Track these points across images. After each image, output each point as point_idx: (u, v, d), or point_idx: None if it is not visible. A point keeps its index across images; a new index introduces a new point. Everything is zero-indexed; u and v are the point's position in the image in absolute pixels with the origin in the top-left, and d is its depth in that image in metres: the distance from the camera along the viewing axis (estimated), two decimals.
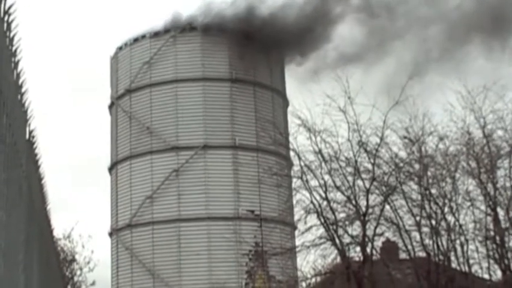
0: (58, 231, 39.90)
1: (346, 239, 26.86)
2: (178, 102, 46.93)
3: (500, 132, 26.05)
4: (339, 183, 27.18)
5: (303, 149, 27.99)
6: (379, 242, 27.72)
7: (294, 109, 29.22)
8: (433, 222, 26.02)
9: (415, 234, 26.37)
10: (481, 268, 25.83)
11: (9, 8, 5.91)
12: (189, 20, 47.94)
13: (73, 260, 43.32)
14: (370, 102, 27.94)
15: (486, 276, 25.96)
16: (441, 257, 25.88)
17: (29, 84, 7.27)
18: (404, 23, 43.96)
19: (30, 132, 8.70)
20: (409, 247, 26.28)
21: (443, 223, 26.03)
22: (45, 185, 11.45)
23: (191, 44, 47.85)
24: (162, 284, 44.61)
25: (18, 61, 6.65)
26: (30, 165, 9.03)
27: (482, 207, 25.83)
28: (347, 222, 27.04)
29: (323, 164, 27.43)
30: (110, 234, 49.25)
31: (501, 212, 25.54)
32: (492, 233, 25.54)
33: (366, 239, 26.39)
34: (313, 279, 28.99)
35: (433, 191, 26.29)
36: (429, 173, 26.59)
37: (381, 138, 27.11)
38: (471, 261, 25.70)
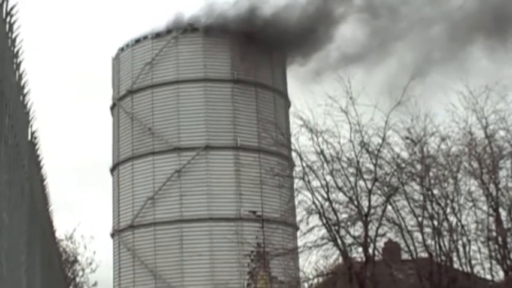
0: (60, 232, 39.89)
1: (348, 240, 26.86)
2: (180, 103, 46.95)
3: (502, 133, 26.06)
4: (340, 184, 27.18)
5: (305, 149, 28.00)
6: (381, 243, 27.73)
7: (295, 110, 29.23)
8: (435, 222, 26.00)
9: (417, 235, 26.37)
10: (483, 269, 25.84)
11: (12, 9, 5.91)
12: (191, 21, 47.95)
13: (75, 261, 43.29)
14: (372, 102, 27.95)
15: (488, 276, 25.96)
16: (443, 258, 25.86)
17: (31, 85, 7.27)
18: (407, 23, 43.97)
19: (32, 133, 8.70)
20: (411, 248, 26.28)
21: (445, 224, 26.02)
22: (47, 186, 11.45)
23: (193, 44, 47.87)
24: (164, 285, 44.62)
25: (20, 62, 6.65)
26: (32, 167, 9.03)
27: (484, 208, 25.84)
28: (349, 223, 27.03)
29: (325, 164, 27.43)
30: (112, 235, 49.27)
31: (503, 213, 25.54)
32: (494, 234, 25.52)
33: (368, 240, 26.37)
34: (315, 280, 28.99)
35: (435, 191, 26.28)
36: (431, 174, 26.58)
37: (383, 139, 27.10)
38: (473, 262, 25.70)
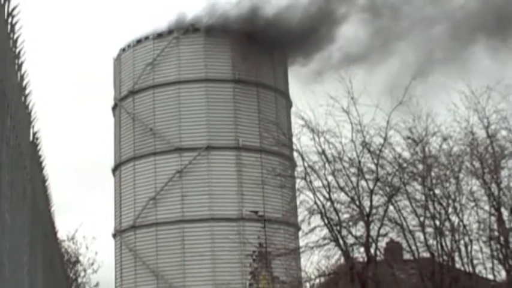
0: (62, 233, 39.92)
1: (350, 240, 26.84)
2: (181, 103, 46.96)
3: (504, 132, 26.04)
4: (342, 184, 27.16)
5: (307, 149, 27.99)
6: (383, 243, 27.71)
7: (297, 110, 29.20)
8: (437, 222, 25.99)
9: (419, 235, 26.36)
10: (485, 268, 25.82)
11: (13, 9, 5.91)
12: (193, 21, 47.94)
13: (77, 261, 43.30)
14: (373, 102, 27.93)
15: (490, 276, 25.93)
16: (445, 258, 25.85)
17: (33, 86, 7.27)
18: (409, 23, 43.95)
19: (34, 134, 8.70)
20: (413, 248, 26.26)
21: (447, 223, 26.01)
22: (49, 187, 11.45)
23: (194, 45, 47.87)
24: (166, 285, 44.62)
25: (22, 63, 6.65)
26: (34, 167, 9.03)
27: (486, 208, 25.82)
28: (351, 223, 27.01)
29: (327, 164, 27.41)
30: (114, 236, 49.29)
31: (505, 212, 25.51)
32: (496, 233, 25.51)
33: (370, 240, 26.36)
34: (317, 280, 28.98)
35: (437, 191, 26.27)
36: (433, 174, 26.56)
37: (385, 139, 27.08)
38: (475, 262, 25.68)
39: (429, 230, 26.18)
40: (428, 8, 44.60)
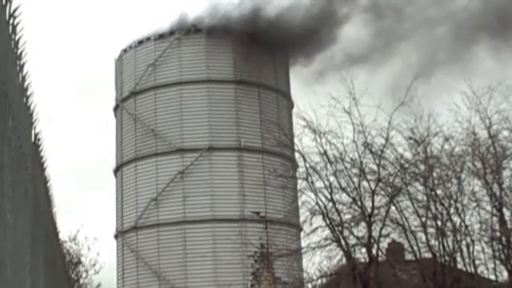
0: (64, 234, 39.94)
1: (352, 241, 26.83)
2: (183, 104, 46.97)
3: (505, 133, 26.03)
4: (344, 185, 27.15)
5: (308, 150, 27.98)
6: (384, 243, 27.69)
7: (298, 110, 29.18)
8: (439, 223, 25.98)
9: (421, 235, 26.34)
10: (487, 269, 25.80)
11: (14, 11, 5.92)
12: (195, 22, 47.92)
13: (79, 262, 43.32)
14: (375, 103, 27.89)
15: (492, 277, 25.92)
16: (447, 258, 25.83)
17: (35, 87, 7.28)
18: (411, 23, 43.94)
19: (36, 135, 8.71)
20: (415, 248, 26.24)
21: (449, 224, 25.99)
22: (51, 188, 11.47)
23: (196, 46, 47.87)
24: (168, 286, 44.63)
25: (23, 64, 6.66)
26: (36, 168, 9.04)
27: (488, 208, 25.80)
28: (353, 224, 27.00)
29: (328, 165, 27.40)
30: (116, 237, 49.30)
31: (507, 213, 25.51)
32: (498, 234, 25.49)
33: (372, 240, 26.35)
34: (319, 281, 28.96)
35: (439, 191, 26.25)
36: (435, 174, 26.55)
37: (386, 139, 27.07)
38: (477, 262, 25.67)
39: (431, 230, 26.18)
40: (431, 8, 44.60)
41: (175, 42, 47.97)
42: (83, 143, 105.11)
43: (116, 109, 51.23)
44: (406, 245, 26.88)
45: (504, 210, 25.41)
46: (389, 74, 46.32)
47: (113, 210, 50.42)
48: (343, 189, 27.12)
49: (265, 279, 41.11)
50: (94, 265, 44.07)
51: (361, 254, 27.15)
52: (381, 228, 26.60)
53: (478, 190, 25.99)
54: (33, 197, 8.51)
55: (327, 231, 27.03)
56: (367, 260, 26.55)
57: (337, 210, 27.03)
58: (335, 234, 26.79)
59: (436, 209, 26.07)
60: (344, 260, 27.27)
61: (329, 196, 27.12)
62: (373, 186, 26.72)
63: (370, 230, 26.35)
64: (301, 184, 28.19)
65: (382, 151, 27.01)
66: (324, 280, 29.17)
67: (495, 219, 25.61)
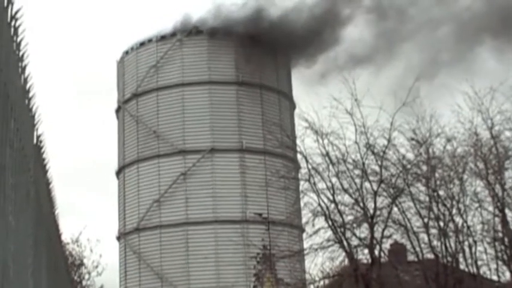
0: (66, 236, 39.92)
1: (354, 242, 26.84)
2: (185, 105, 46.97)
3: (508, 133, 26.03)
4: (346, 186, 27.16)
5: (310, 151, 27.99)
6: (387, 244, 27.71)
7: (300, 112, 29.21)
8: (441, 223, 25.97)
9: (423, 236, 26.34)
10: (490, 269, 25.79)
11: (16, 12, 5.92)
12: (198, 23, 47.89)
13: (81, 264, 43.33)
14: (377, 104, 27.91)
15: (495, 277, 25.92)
16: (449, 259, 25.82)
17: (36, 88, 7.29)
18: (415, 24, 43.88)
19: (38, 136, 8.72)
20: (417, 249, 26.24)
21: (451, 224, 25.99)
22: (53, 190, 11.47)
23: (198, 47, 47.85)
24: None
25: (25, 66, 6.66)
26: (38, 170, 9.05)
27: (490, 209, 25.80)
28: (355, 225, 27.01)
29: (330, 166, 27.41)
30: (118, 238, 49.30)
31: (509, 213, 25.50)
32: (500, 234, 25.47)
33: (374, 241, 26.35)
34: (321, 282, 28.97)
35: (441, 192, 26.25)
36: (437, 175, 26.55)
37: (388, 140, 27.07)
38: (479, 263, 25.66)
39: (433, 231, 26.18)
40: (434, 9, 44.56)
41: (177, 43, 47.98)
42: (85, 145, 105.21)
43: (117, 111, 51.24)
44: (409, 246, 26.90)
45: (506, 210, 25.41)
46: (392, 75, 46.31)
47: (115, 212, 50.48)
48: (345, 191, 27.13)
49: (268, 280, 41.10)
50: (96, 267, 44.09)
51: (363, 255, 27.18)
52: (383, 229, 26.61)
53: (480, 191, 26.02)
54: (35, 199, 8.51)
55: (329, 233, 27.06)
56: (370, 261, 26.55)
57: (339, 211, 27.03)
58: (337, 236, 26.79)
59: (438, 209, 26.07)
60: (346, 261, 27.28)
61: (331, 197, 27.14)
62: (375, 187, 26.72)
63: (372, 231, 26.35)
64: (303, 185, 28.22)
65: (384, 152, 27.02)
66: (327, 281, 29.17)
67: (497, 219, 25.61)
